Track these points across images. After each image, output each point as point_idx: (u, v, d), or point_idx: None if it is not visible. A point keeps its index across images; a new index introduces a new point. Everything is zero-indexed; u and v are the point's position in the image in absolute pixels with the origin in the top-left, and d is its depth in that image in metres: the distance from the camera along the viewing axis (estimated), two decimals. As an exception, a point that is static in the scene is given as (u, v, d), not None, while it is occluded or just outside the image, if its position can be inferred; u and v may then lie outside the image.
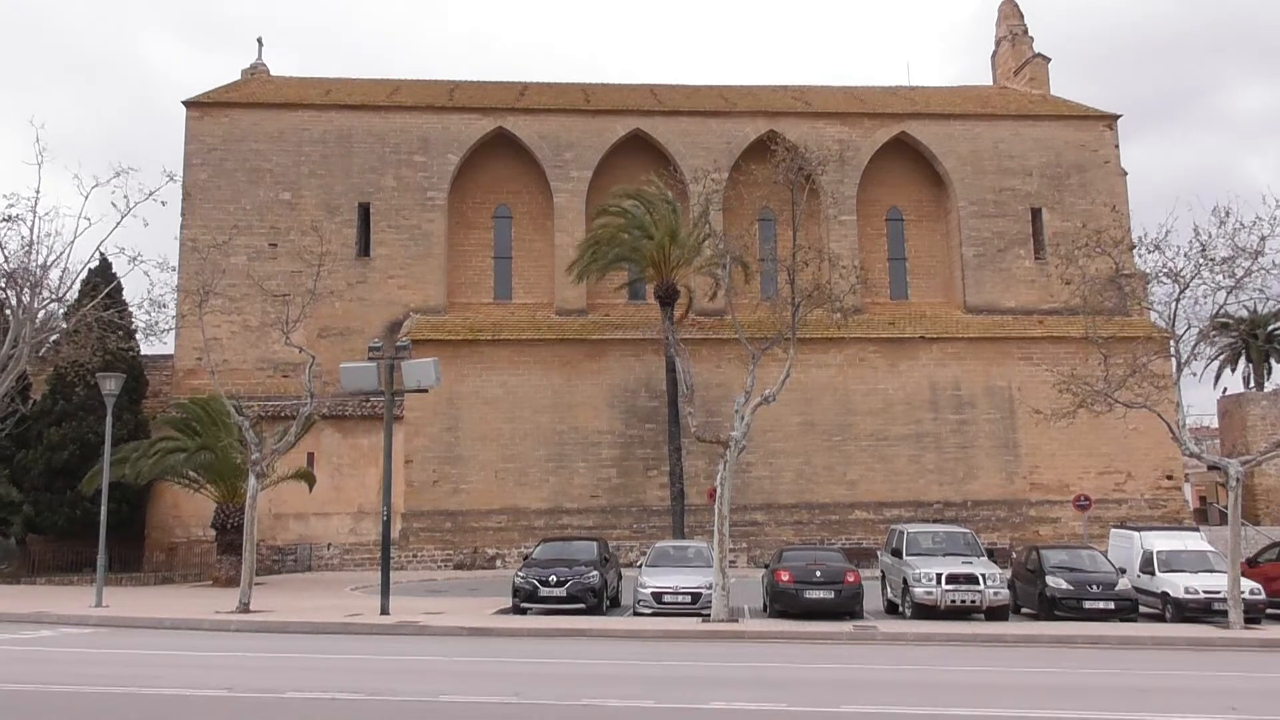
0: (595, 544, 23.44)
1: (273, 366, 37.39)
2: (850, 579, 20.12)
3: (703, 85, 46.25)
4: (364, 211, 39.92)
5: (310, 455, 35.48)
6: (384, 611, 20.08)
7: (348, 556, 36.63)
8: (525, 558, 24.40)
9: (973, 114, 42.66)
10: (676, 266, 34.88)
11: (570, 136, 40.89)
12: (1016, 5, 48.57)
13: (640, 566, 23.22)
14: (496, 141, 41.16)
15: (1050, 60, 47.11)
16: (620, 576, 24.30)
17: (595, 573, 21.12)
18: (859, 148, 41.20)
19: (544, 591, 20.67)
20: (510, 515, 37.22)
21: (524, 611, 20.82)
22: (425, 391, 24.65)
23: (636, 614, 20.59)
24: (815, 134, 39.30)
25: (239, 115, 40.16)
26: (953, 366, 39.23)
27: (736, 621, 19.02)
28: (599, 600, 20.92)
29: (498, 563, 36.29)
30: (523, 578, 21.10)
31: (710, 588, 19.76)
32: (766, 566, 22.49)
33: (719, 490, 20.32)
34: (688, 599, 20.50)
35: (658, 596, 20.60)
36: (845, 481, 38.27)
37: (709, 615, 19.28)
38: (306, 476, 32.47)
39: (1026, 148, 41.94)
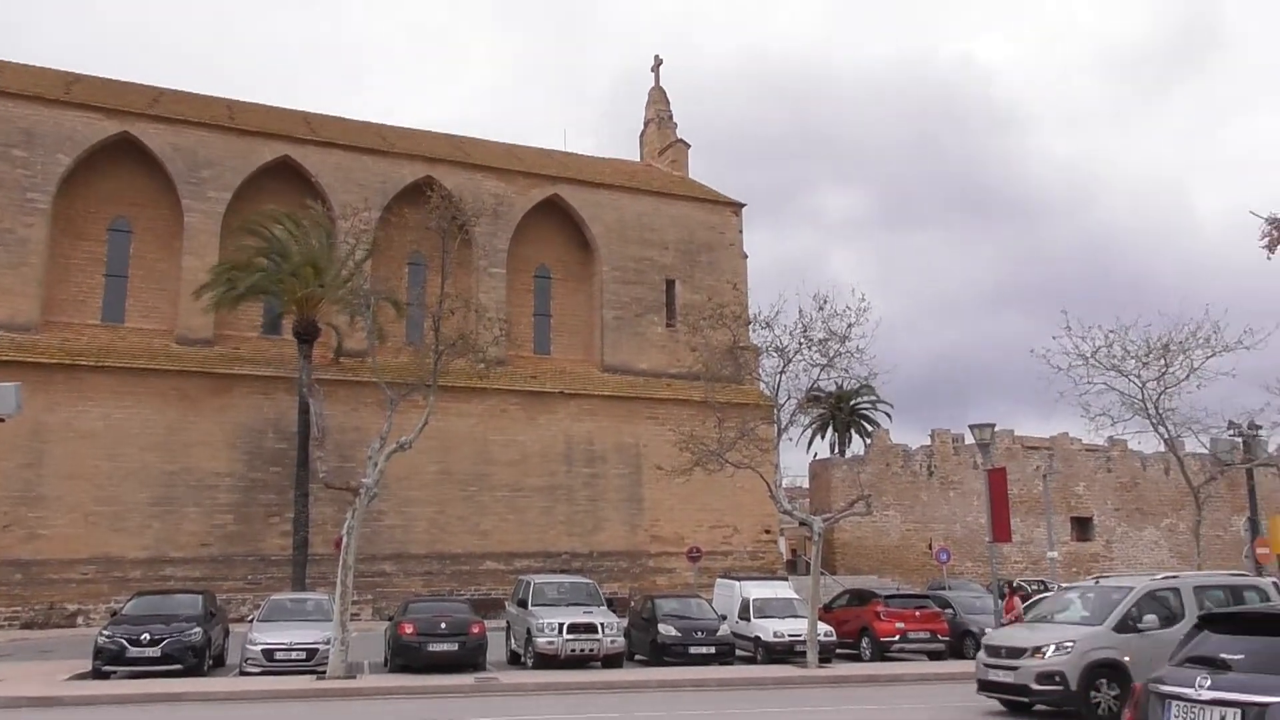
0: (200, 597, 21.45)
1: None
2: (475, 630, 20.10)
3: (361, 121, 45.18)
4: (-58, 206, 34.23)
5: None
6: (-76, 679, 16.93)
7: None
8: (113, 614, 21.74)
9: (621, 186, 45.41)
10: (320, 303, 33.41)
11: (210, 153, 37.97)
12: (664, 92, 52.72)
13: (252, 621, 21.62)
14: (121, 147, 37.17)
15: (690, 146, 51.54)
16: (228, 633, 22.44)
17: (198, 629, 19.31)
18: (514, 204, 42.23)
19: (134, 651, 18.50)
20: (101, 565, 33.04)
21: (108, 675, 18.49)
22: (1, 420, 21.39)
23: (243, 673, 19.08)
24: (472, 185, 39.74)
25: None
26: (588, 422, 40.94)
27: (354, 678, 18.24)
28: (200, 660, 19.11)
29: (80, 620, 31.99)
30: (108, 636, 18.73)
31: (328, 643, 18.82)
32: (391, 619, 21.88)
33: (345, 539, 19.51)
34: (303, 655, 19.36)
35: (268, 654, 19.25)
36: (479, 531, 38.34)
37: (325, 673, 18.34)
38: None
39: (665, 223, 45.30)
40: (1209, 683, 6.50)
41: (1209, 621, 7.52)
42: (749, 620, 23.51)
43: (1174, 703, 6.69)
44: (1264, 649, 6.68)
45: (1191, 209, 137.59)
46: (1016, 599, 24.04)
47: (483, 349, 22.72)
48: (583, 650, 20.44)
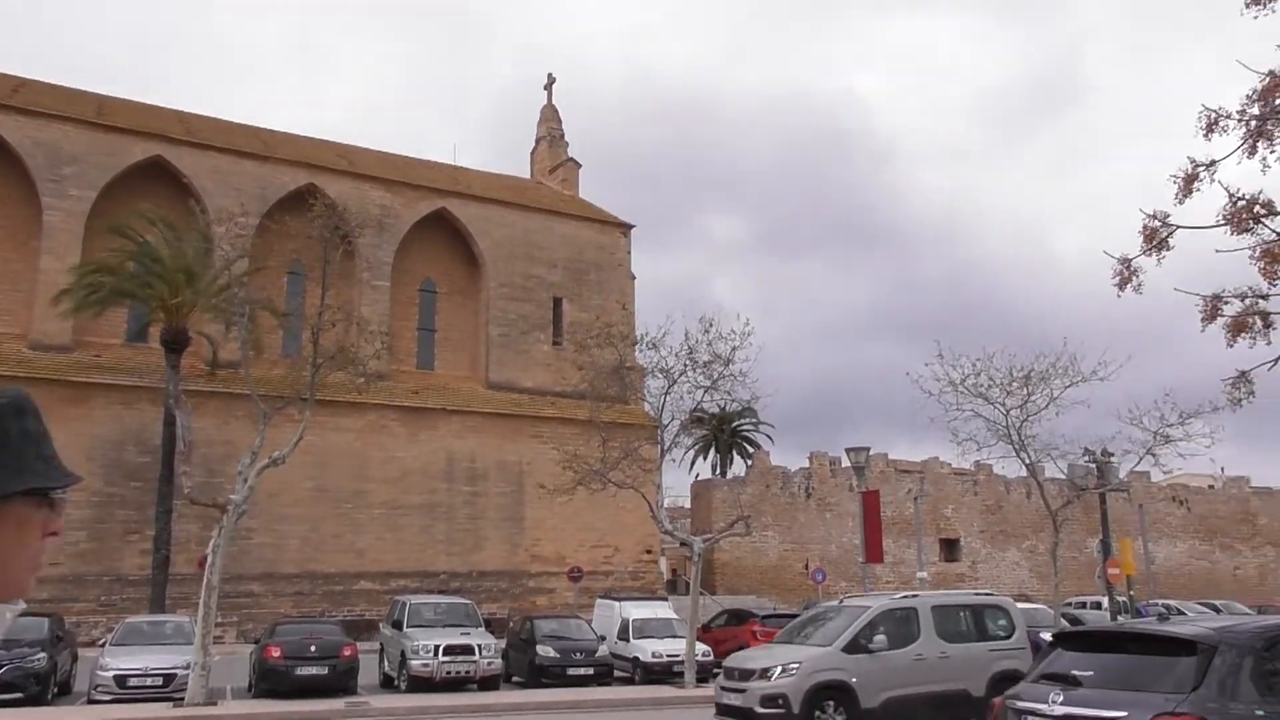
0: (46, 620, 20.16)
1: None
2: (347, 653, 19.53)
3: (239, 123, 43.72)
4: None
5: None
6: None
7: None
8: (-55, 641, 20.25)
9: (511, 202, 45.17)
10: (191, 311, 32.05)
11: (75, 149, 36.08)
12: (556, 110, 52.79)
13: (104, 645, 20.46)
14: (-26, 140, 34.97)
15: (581, 166, 51.69)
16: (76, 658, 21.20)
17: (42, 654, 18.16)
18: (400, 216, 41.50)
19: (-30, 679, 17.29)
20: (-61, 584, 30.72)
21: (-63, 706, 17.20)
22: None
23: (92, 701, 18.03)
24: (357, 195, 38.87)
25: None
26: (470, 439, 40.40)
27: (215, 705, 17.45)
28: (44, 688, 17.95)
29: (-87, 643, 29.70)
30: (-59, 663, 17.48)
31: (188, 667, 17.95)
32: (257, 641, 21.05)
33: (210, 558, 18.69)
34: (159, 681, 18.44)
35: (121, 680, 18.25)
36: (354, 550, 37.28)
37: (183, 699, 17.48)
38: None
39: (554, 241, 45.25)
40: (1061, 698, 6.81)
41: (1062, 640, 7.89)
42: (628, 641, 23.52)
43: (1029, 717, 6.98)
44: (1112, 666, 7.04)
45: (1051, 246, 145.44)
46: None
47: (363, 362, 22.19)
48: (458, 672, 20.08)
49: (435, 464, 39.50)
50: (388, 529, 38.05)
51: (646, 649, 22.74)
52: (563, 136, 52.43)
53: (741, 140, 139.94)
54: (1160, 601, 40.47)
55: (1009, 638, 15.67)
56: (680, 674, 21.56)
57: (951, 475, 55.33)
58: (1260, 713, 6.18)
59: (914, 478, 53.92)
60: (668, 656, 22.43)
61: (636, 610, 24.77)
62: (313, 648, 19.27)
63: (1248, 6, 7.27)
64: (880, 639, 14.48)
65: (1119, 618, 29.96)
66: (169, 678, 18.48)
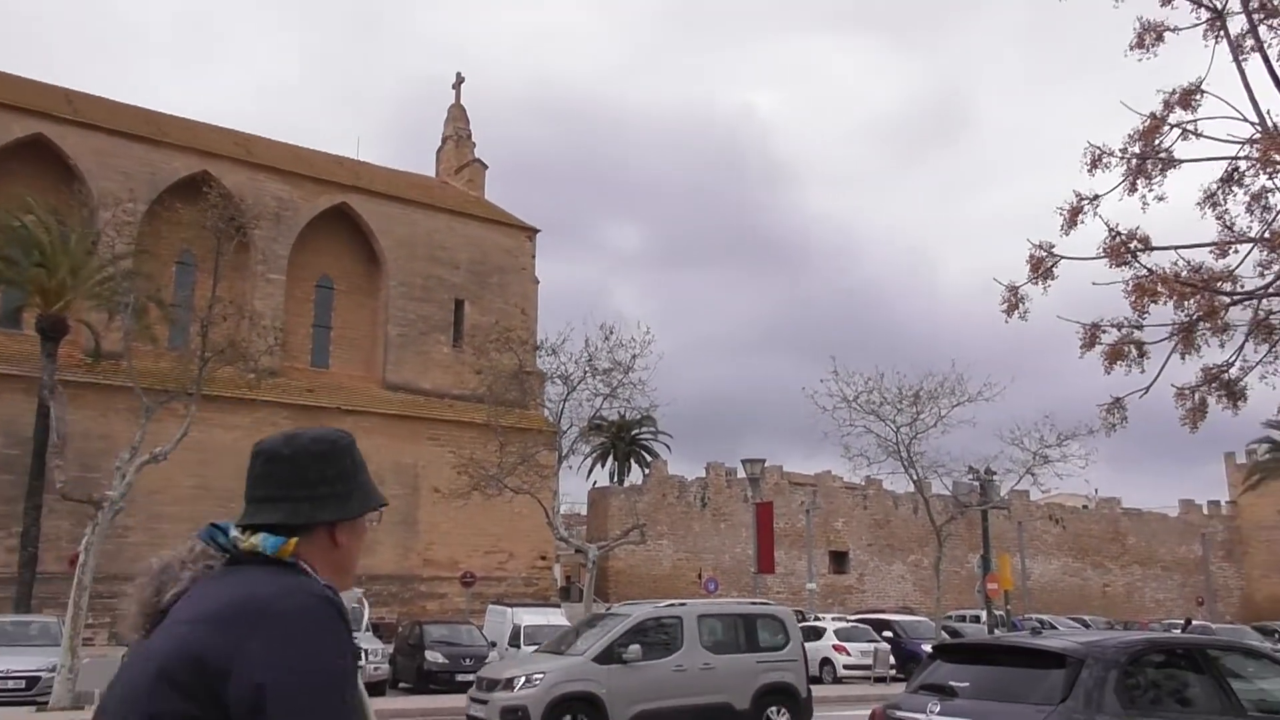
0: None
1: None
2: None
3: (129, 105, 41.93)
4: None
5: None
6: None
7: None
8: None
9: (414, 201, 44.45)
10: (71, 298, 30.52)
11: (-53, 123, 34.06)
12: (465, 110, 52.24)
13: (-38, 647, 19.31)
14: None
15: (488, 168, 51.25)
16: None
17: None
18: (298, 209, 40.42)
19: None
20: None
21: None
22: None
23: (-53, 705, 17.00)
24: (254, 185, 37.72)
25: None
26: (364, 440, 39.01)
27: (82, 709, 16.62)
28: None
29: None
30: None
31: (54, 670, 17.08)
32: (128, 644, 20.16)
33: (82, 556, 17.83)
34: (21, 684, 17.50)
35: (-20, 682, 17.26)
36: (237, 551, 36.02)
37: (48, 703, 16.61)
38: None
39: (458, 242, 44.71)
40: (938, 708, 7.04)
41: (941, 651, 8.16)
42: (519, 647, 23.33)
43: (908, 726, 7.19)
44: (987, 678, 7.31)
45: (939, 270, 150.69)
46: None
47: (254, 358, 21.55)
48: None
49: (327, 464, 38.46)
50: (274, 530, 36.87)
51: (537, 656, 22.61)
52: (470, 137, 51.90)
53: (643, 151, 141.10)
54: (1034, 616, 42.20)
55: (782, 649, 15.29)
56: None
57: (843, 489, 56.65)
58: (1121, 724, 6.49)
59: (807, 491, 55.03)
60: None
61: (529, 617, 24.62)
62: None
63: (1131, 49, 7.68)
64: (636, 649, 13.87)
65: (995, 631, 31.13)
66: (32, 681, 17.58)
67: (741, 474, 41.49)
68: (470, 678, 21.20)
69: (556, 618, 25.41)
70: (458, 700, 19.34)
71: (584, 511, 54.79)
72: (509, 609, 25.41)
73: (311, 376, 40.38)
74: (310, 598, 1.99)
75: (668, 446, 62.91)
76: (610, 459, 62.93)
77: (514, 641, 23.65)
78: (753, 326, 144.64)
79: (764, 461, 29.85)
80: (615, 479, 60.17)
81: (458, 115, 52.04)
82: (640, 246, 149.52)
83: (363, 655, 19.41)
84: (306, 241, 41.11)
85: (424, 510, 39.61)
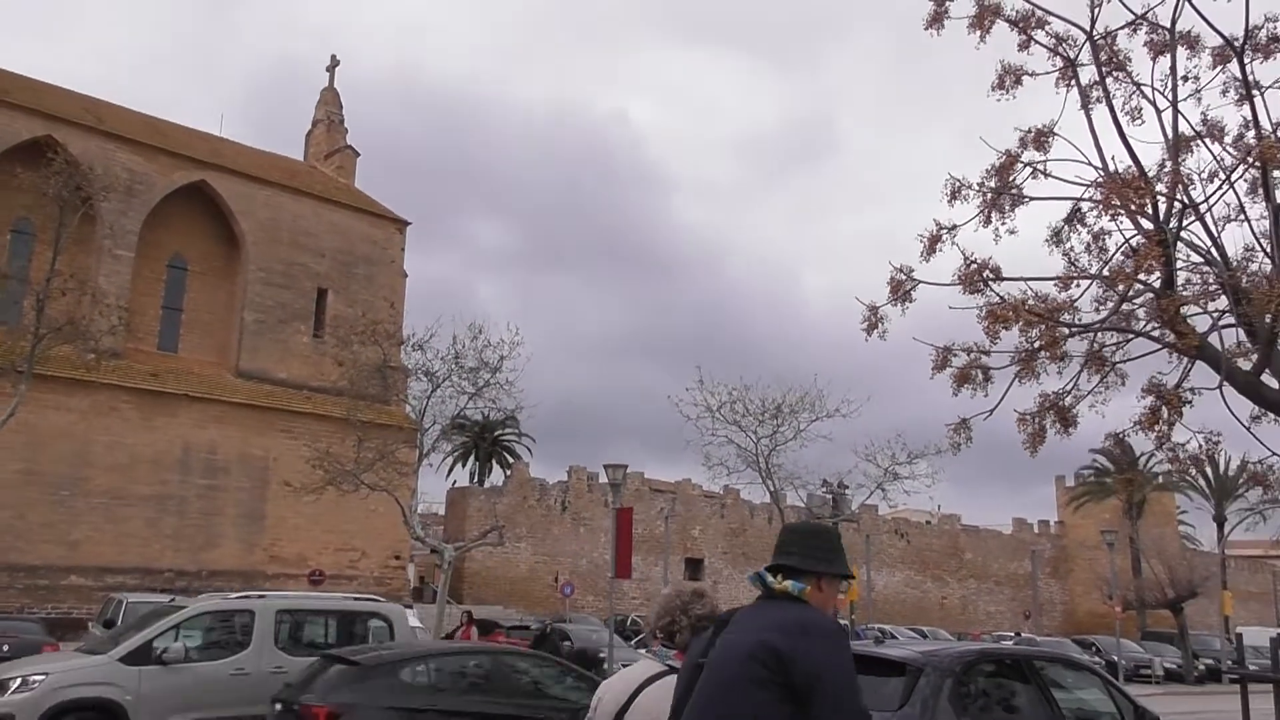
0: None
1: None
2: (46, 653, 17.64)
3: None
4: None
5: None
6: None
7: None
8: None
9: (279, 184, 42.80)
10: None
11: None
12: (338, 94, 50.69)
13: None
14: None
15: (360, 155, 49.86)
16: None
17: None
18: (153, 184, 38.34)
19: None
20: None
21: None
22: None
23: None
24: (104, 155, 35.57)
25: None
26: (213, 429, 37.76)
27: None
28: None
29: None
30: None
31: None
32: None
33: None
34: None
35: None
36: (67, 542, 33.82)
37: None
38: None
39: (324, 230, 43.29)
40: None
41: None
42: (367, 649, 22.73)
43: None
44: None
45: (802, 287, 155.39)
46: (473, 629, 23.25)
47: (95, 337, 20.33)
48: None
49: (170, 453, 36.60)
50: (108, 520, 34.82)
51: (386, 658, 22.03)
52: (343, 122, 50.39)
53: (514, 150, 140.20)
54: (877, 626, 43.88)
55: None
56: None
57: (701, 497, 57.57)
58: (954, 728, 6.81)
59: (666, 497, 55.66)
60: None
61: (379, 618, 23.97)
62: (4, 647, 17.30)
63: (993, 89, 8.10)
64: (179, 647, 12.03)
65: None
66: None
67: (603, 479, 41.64)
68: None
69: (408, 619, 24.87)
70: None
71: (442, 511, 53.88)
72: (359, 609, 24.68)
73: (158, 360, 38.32)
74: (834, 623, 3.31)
75: (529, 449, 62.61)
76: (472, 459, 62.13)
77: (362, 642, 23.01)
78: (617, 332, 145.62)
79: (626, 467, 29.98)
80: (476, 479, 59.43)
81: (330, 99, 50.45)
82: (509, 245, 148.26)
83: None
84: (160, 218, 39.01)
85: (272, 504, 38.12)
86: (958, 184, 8.14)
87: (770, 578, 3.38)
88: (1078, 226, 8.09)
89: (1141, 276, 7.36)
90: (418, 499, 24.65)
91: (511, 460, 59.89)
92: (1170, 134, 7.66)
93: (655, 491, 56.57)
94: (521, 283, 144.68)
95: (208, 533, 37.12)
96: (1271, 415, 7.25)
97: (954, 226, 8.10)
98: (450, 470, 61.05)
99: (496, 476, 58.82)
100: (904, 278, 8.14)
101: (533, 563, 51.11)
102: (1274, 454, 7.49)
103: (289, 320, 41.59)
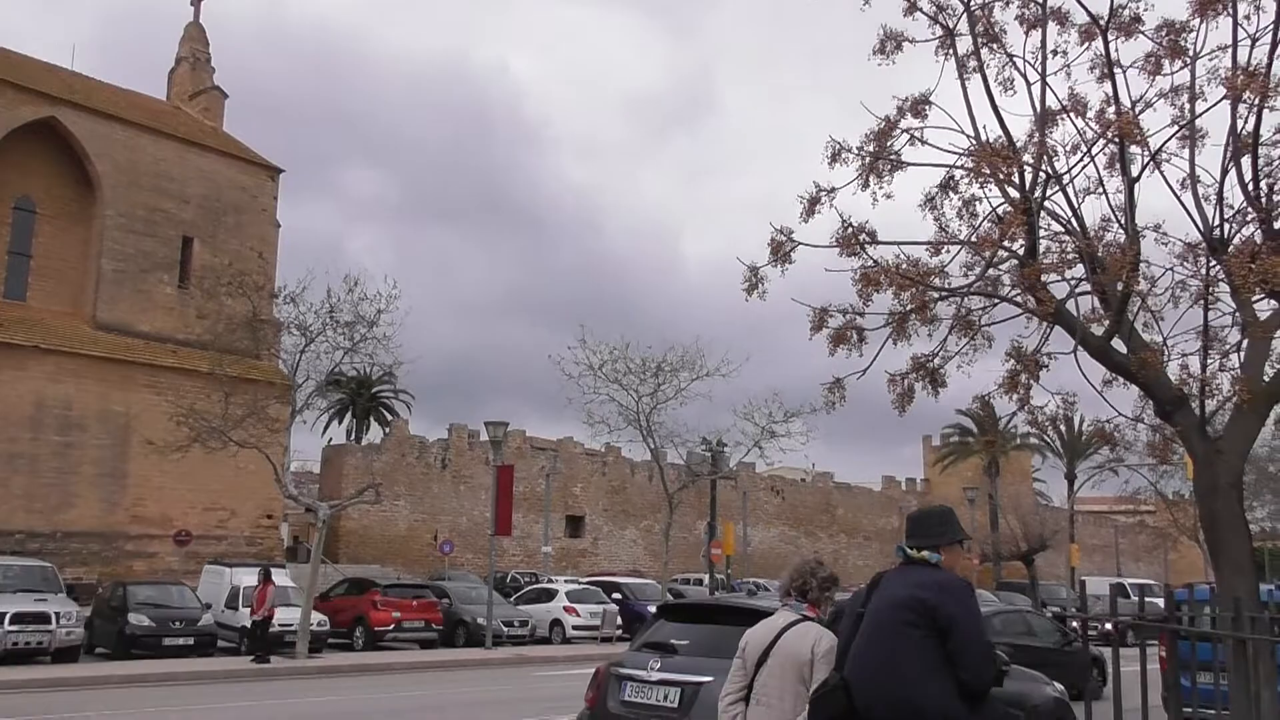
0: None
1: None
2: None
3: None
4: None
5: None
6: None
7: None
8: None
9: (140, 124, 40.33)
10: None
11: None
12: (204, 30, 47.97)
13: None
14: None
15: (228, 97, 47.43)
16: None
17: None
18: (-3, 118, 35.64)
19: None
20: None
21: None
22: None
23: None
24: (-59, 85, 32.83)
25: None
26: (68, 384, 35.69)
27: None
28: None
29: None
30: None
31: None
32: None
33: None
34: None
35: None
36: (-99, 502, 31.60)
37: None
38: None
39: (190, 175, 41.13)
40: (659, 665, 7.32)
41: (664, 612, 8.49)
42: (237, 609, 22.11)
43: (629, 682, 7.44)
44: (705, 636, 7.69)
45: (682, 247, 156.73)
46: (270, 587, 21.56)
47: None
48: (30, 643, 17.81)
49: (20, 409, 34.45)
50: (-51, 480, 32.65)
51: (257, 618, 21.46)
52: (209, 61, 47.70)
53: (391, 99, 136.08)
54: (752, 580, 45.13)
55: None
56: (292, 644, 20.64)
57: (583, 455, 57.78)
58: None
59: (548, 455, 55.67)
60: (280, 626, 21.36)
61: (249, 577, 23.34)
62: None
63: (874, 54, 8.22)
64: None
65: (716, 593, 32.97)
66: None
67: (484, 436, 41.31)
68: (181, 641, 19.88)
69: (280, 579, 24.26)
70: (162, 666, 18.04)
71: (318, 469, 52.55)
72: (227, 569, 24.01)
73: (4, 309, 35.91)
74: (964, 581, 4.52)
75: (409, 406, 61.58)
76: (349, 416, 60.75)
77: (231, 603, 22.40)
78: (499, 289, 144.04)
79: (507, 425, 29.85)
80: (353, 437, 58.12)
81: (195, 35, 47.68)
82: (387, 197, 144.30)
83: (53, 618, 17.75)
84: (4, 156, 36.33)
85: (134, 463, 36.39)
86: (838, 147, 8.25)
87: (910, 550, 4.57)
88: (950, 194, 8.31)
89: (1006, 243, 7.63)
90: (290, 457, 23.93)
91: (390, 418, 58.81)
92: (1038, 107, 7.94)
93: (537, 449, 56.50)
94: (400, 236, 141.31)
95: (63, 492, 35.21)
96: (1120, 378, 7.67)
97: (833, 189, 8.22)
98: (326, 428, 59.56)
99: (375, 434, 57.61)
100: (784, 239, 8.23)
101: (412, 521, 50.49)
102: (1121, 415, 7.94)
103: (151, 270, 39.49)
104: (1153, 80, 7.69)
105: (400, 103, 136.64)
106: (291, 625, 20.99)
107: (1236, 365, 7.38)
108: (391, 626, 23.85)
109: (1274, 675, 5.46)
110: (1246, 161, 7.33)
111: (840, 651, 4.60)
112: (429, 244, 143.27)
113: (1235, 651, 5.15)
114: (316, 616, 21.49)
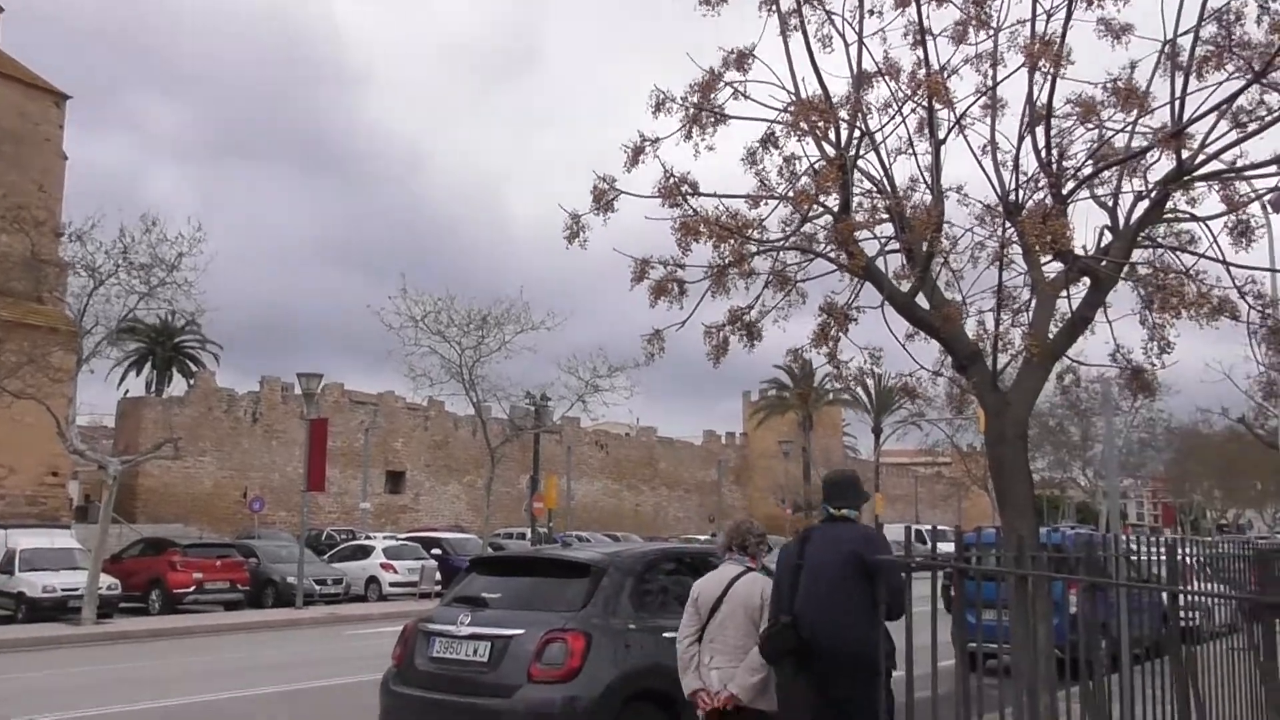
0: None
1: None
2: None
3: None
4: None
5: None
6: None
7: None
8: None
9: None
10: None
11: None
12: (-22, -64, 42.89)
13: None
14: None
15: (3, 10, 42.76)
16: None
17: None
18: None
19: None
20: None
21: None
22: None
23: None
24: None
25: None
26: None
27: None
28: None
29: None
30: None
31: None
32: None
33: None
34: None
35: None
36: None
37: None
38: None
39: (-41, 96, 36.96)
40: (469, 619, 7.14)
41: (477, 565, 8.30)
42: (13, 574, 20.38)
43: (437, 638, 7.23)
44: (518, 588, 7.56)
45: (509, 200, 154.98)
46: None
47: None
48: None
49: None
50: None
51: (36, 583, 19.94)
52: (-16, -26, 42.79)
53: (196, 26, 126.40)
54: (575, 533, 45.49)
55: None
56: (78, 610, 19.20)
57: (404, 409, 56.46)
58: (632, 626, 7.08)
59: (368, 409, 54.08)
60: (63, 591, 19.86)
61: (28, 539, 21.59)
62: None
63: (700, 4, 8.12)
64: None
65: (538, 546, 33.01)
66: None
67: (299, 389, 39.58)
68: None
69: (64, 540, 22.58)
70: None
71: (113, 424, 49.02)
72: (4, 531, 22.05)
73: None
74: (881, 534, 5.86)
75: (216, 357, 58.23)
76: (149, 367, 56.88)
77: (8, 568, 20.61)
78: (315, 235, 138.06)
79: (321, 377, 28.65)
80: (153, 389, 54.44)
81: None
82: (191, 133, 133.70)
83: None
84: None
85: (-107, 415, 32.74)
86: (662, 96, 8.13)
87: (832, 510, 5.49)
88: (771, 149, 8.36)
89: (821, 199, 7.75)
90: (77, 409, 22.07)
91: (195, 369, 55.45)
92: (855, 67, 8.06)
93: (356, 403, 54.77)
94: (209, 178, 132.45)
95: None
96: (922, 333, 7.98)
97: (657, 140, 8.12)
98: (123, 379, 55.55)
99: (179, 386, 54.17)
100: (606, 187, 8.08)
101: (219, 478, 48.03)
102: (923, 368, 8.27)
103: (-88, 201, 35.36)
104: (958, 48, 7.94)
105: (208, 31, 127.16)
106: (77, 589, 19.51)
107: (1026, 323, 7.81)
108: (192, 589, 22.56)
109: (1050, 611, 5.87)
110: (1041, 131, 7.71)
111: (779, 595, 5.39)
112: (241, 186, 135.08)
113: (1017, 587, 5.48)
114: (106, 580, 20.06)
